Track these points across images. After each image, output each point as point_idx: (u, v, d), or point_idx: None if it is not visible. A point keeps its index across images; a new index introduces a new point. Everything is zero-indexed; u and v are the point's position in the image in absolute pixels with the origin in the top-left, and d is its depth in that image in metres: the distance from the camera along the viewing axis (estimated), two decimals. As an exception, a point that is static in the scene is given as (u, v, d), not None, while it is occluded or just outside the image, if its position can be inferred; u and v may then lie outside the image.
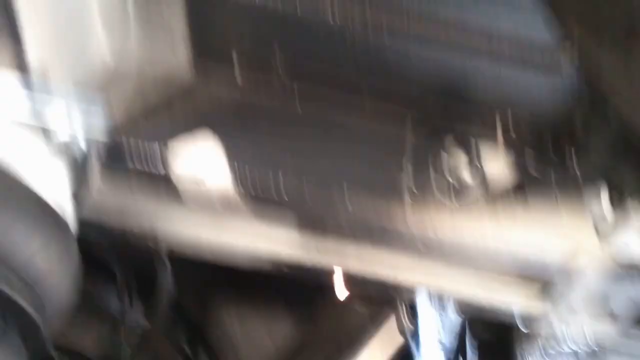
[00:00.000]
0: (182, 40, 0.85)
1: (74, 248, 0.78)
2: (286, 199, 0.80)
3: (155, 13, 0.82)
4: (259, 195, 0.81)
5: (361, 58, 0.92)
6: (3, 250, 0.65)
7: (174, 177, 0.82)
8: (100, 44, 0.86)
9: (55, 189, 0.79)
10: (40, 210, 0.73)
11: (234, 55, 0.88)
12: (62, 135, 0.71)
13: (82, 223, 0.84)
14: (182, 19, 0.82)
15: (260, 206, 0.83)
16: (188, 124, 0.86)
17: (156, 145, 0.83)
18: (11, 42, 0.71)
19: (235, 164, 0.83)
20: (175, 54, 0.87)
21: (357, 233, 0.84)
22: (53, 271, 0.72)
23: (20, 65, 0.70)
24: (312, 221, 0.85)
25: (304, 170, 0.83)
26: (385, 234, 0.83)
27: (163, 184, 0.84)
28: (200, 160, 0.83)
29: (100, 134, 0.73)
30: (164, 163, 0.82)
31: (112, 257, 1.11)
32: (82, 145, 0.72)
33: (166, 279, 1.09)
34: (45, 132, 0.71)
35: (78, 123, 0.70)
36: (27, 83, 0.70)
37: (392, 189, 0.84)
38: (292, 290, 1.18)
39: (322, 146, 0.90)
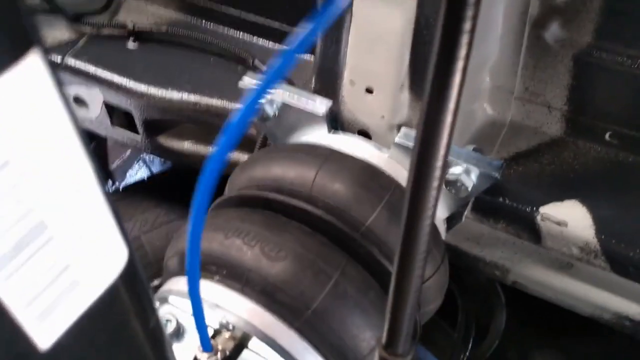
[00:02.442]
0: (559, 105, 0.95)
1: (447, 268, 0.92)
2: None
3: (539, 82, 0.93)
4: (621, 249, 0.85)
5: None
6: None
7: (537, 216, 0.91)
8: (486, 97, 1.01)
9: (439, 211, 0.95)
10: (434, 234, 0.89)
11: (607, 118, 0.94)
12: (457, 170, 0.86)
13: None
14: (563, 94, 0.92)
15: (620, 259, 0.87)
16: (555, 176, 0.94)
17: (525, 189, 0.93)
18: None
19: (596, 216, 0.89)
20: (549, 113, 0.97)
21: None
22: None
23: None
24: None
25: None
26: None
27: (524, 220, 0.94)
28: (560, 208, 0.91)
29: (486, 174, 0.86)
30: (530, 206, 0.92)
31: (455, 283, 1.24)
32: (472, 179, 0.86)
33: (501, 315, 1.18)
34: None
35: (472, 166, 0.85)
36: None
37: None
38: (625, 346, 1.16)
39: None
